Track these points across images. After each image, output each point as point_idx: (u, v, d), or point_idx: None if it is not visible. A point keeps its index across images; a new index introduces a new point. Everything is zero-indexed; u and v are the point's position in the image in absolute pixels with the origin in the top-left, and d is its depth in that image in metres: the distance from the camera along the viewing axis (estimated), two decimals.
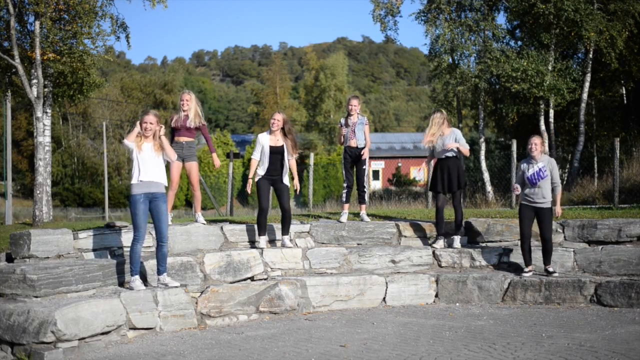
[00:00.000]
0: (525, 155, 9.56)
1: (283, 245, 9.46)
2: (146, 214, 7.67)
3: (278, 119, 9.35)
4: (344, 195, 10.59)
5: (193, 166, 9.51)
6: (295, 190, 9.57)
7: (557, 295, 8.94)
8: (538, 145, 9.18)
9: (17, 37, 13.34)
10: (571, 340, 6.90)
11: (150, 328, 7.40)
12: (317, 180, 39.44)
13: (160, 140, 7.79)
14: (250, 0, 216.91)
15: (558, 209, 9.46)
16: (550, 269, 9.25)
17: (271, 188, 9.49)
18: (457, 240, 10.01)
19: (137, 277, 7.67)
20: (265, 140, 9.37)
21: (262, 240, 9.32)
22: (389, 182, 42.91)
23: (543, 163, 9.19)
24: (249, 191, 9.45)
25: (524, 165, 9.34)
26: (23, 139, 52.25)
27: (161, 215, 7.75)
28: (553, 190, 9.26)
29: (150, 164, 7.68)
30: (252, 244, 9.52)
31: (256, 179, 9.40)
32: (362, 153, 10.30)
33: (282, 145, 9.37)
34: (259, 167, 9.41)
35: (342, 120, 10.50)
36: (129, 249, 8.46)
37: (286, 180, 9.46)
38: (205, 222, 9.64)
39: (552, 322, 7.86)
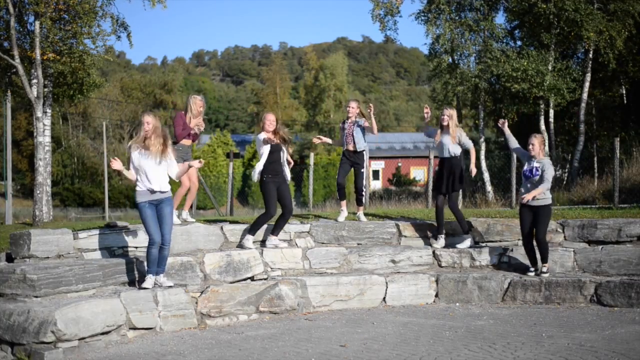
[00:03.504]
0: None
1: (276, 247, 9.38)
2: (155, 217, 7.73)
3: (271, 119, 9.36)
4: (338, 192, 10.71)
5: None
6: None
7: (557, 295, 8.94)
8: (535, 145, 9.25)
9: (17, 37, 13.32)
10: (571, 340, 6.90)
11: (150, 328, 7.40)
12: (317, 180, 39.37)
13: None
14: (250, 0, 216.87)
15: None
16: (544, 269, 9.21)
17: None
18: (467, 240, 9.96)
19: (151, 275, 7.71)
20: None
21: (250, 240, 9.26)
22: (389, 182, 42.95)
23: (540, 164, 9.21)
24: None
25: (526, 159, 9.40)
26: (23, 139, 52.20)
27: (164, 218, 7.77)
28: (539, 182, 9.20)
29: (153, 172, 7.68)
30: (253, 244, 9.48)
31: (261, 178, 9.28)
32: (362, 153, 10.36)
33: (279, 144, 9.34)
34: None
35: (341, 124, 10.57)
36: (129, 249, 8.54)
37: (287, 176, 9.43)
38: (191, 219, 9.55)
39: (552, 322, 7.87)
